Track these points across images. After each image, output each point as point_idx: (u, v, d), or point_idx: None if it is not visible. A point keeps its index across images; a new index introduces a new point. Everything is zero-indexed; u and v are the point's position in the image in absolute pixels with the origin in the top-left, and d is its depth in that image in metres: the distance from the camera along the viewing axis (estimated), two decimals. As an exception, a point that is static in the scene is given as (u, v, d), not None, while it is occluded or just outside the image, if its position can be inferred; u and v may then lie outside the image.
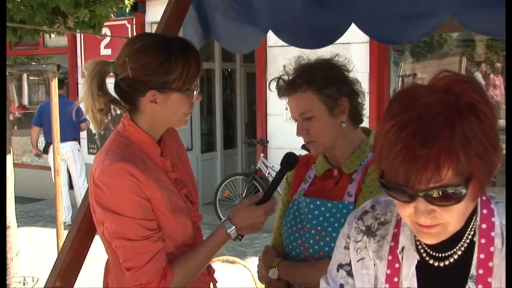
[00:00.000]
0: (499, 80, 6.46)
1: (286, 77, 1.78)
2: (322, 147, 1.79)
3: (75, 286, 1.94)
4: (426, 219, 1.01)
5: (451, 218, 1.02)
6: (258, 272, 1.92)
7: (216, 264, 1.93)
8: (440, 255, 1.12)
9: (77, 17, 4.70)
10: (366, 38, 2.59)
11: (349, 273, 1.26)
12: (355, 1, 2.05)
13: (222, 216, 7.36)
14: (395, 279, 1.16)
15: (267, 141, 7.43)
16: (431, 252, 1.13)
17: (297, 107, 1.77)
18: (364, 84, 1.85)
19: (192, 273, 1.64)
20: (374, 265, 1.19)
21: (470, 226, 1.09)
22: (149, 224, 1.56)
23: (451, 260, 1.10)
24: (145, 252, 1.54)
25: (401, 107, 1.01)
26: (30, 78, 10.28)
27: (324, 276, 1.34)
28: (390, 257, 1.18)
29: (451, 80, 1.03)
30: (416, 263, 1.13)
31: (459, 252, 1.10)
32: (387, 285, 1.16)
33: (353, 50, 6.07)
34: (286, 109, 7.11)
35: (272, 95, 7.64)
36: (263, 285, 1.98)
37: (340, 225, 1.71)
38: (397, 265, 1.16)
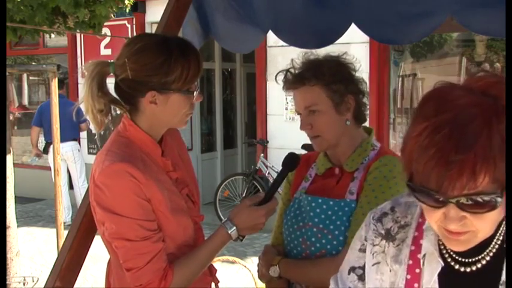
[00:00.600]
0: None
1: (293, 71, 1.78)
2: (326, 143, 1.79)
3: (75, 286, 1.93)
4: (456, 226, 0.96)
5: (483, 226, 0.96)
6: (258, 270, 1.92)
7: (216, 264, 1.93)
8: (467, 260, 1.06)
9: (77, 17, 4.70)
10: (366, 38, 2.59)
11: (361, 278, 1.22)
12: (355, 1, 2.05)
13: (222, 216, 7.36)
14: (416, 285, 1.10)
15: (267, 141, 7.43)
16: (457, 257, 1.07)
17: (303, 100, 1.77)
18: (367, 86, 1.86)
19: (193, 273, 1.64)
20: (390, 271, 1.14)
21: (500, 231, 1.04)
22: (149, 225, 1.56)
23: (479, 265, 1.05)
24: (146, 252, 1.54)
25: (435, 108, 0.95)
26: (30, 78, 10.28)
27: (334, 276, 1.31)
28: (411, 262, 1.12)
29: (488, 82, 0.97)
30: (440, 269, 1.07)
31: (487, 258, 1.04)
32: None
33: (353, 50, 6.05)
34: (286, 109, 7.16)
35: (272, 95, 7.65)
36: (263, 285, 1.98)
37: (342, 223, 1.72)
38: (417, 270, 1.11)
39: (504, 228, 1.02)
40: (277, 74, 1.84)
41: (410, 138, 0.97)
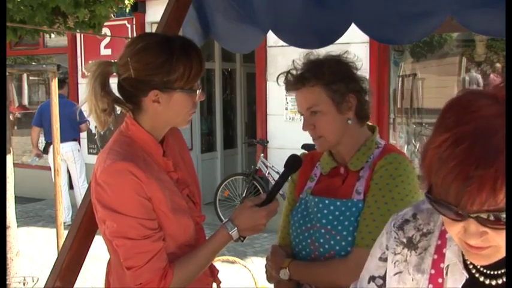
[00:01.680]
0: (499, 80, 6.45)
1: (294, 72, 1.78)
2: (328, 144, 1.79)
3: (75, 286, 1.94)
4: (477, 241, 0.91)
5: (503, 241, 0.91)
6: (266, 272, 1.90)
7: (216, 264, 1.93)
8: (493, 272, 1.01)
9: (77, 17, 4.70)
10: (366, 38, 2.59)
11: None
12: (355, 1, 2.05)
13: (222, 216, 7.36)
14: None
15: (267, 141, 7.43)
16: (482, 269, 1.02)
17: (304, 101, 1.77)
18: (369, 84, 1.86)
19: (193, 273, 1.64)
20: (412, 280, 1.10)
21: None
22: (150, 224, 1.56)
23: (505, 278, 0.99)
24: (146, 251, 1.54)
25: (456, 118, 0.90)
26: (30, 78, 10.28)
27: (354, 283, 1.28)
28: (433, 271, 1.09)
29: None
30: (464, 281, 1.03)
31: None
32: None
33: (353, 50, 6.05)
34: (286, 109, 7.16)
35: (272, 95, 7.66)
36: (263, 285, 1.98)
37: (350, 223, 1.71)
38: (440, 280, 1.07)
39: None
40: (279, 75, 1.84)
41: (430, 150, 0.92)
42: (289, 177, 1.90)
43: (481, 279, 1.02)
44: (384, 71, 6.69)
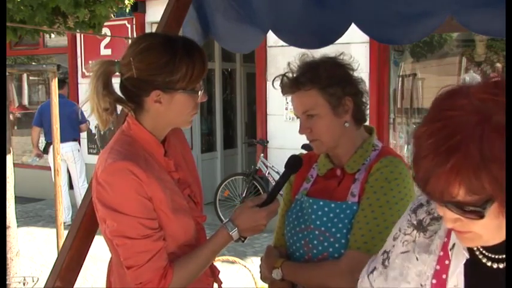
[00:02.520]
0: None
1: (290, 75, 1.77)
2: (325, 146, 1.78)
3: (75, 286, 1.94)
4: (452, 226, 1.00)
5: (480, 230, 0.98)
6: (260, 272, 1.91)
7: (216, 264, 1.93)
8: (496, 256, 1.06)
9: (77, 17, 4.70)
10: (366, 38, 2.59)
11: (383, 262, 1.27)
12: (355, 1, 2.05)
13: (222, 216, 7.36)
14: (444, 276, 1.12)
15: (267, 141, 7.43)
16: (486, 252, 1.07)
17: (300, 104, 1.76)
18: (366, 85, 1.85)
19: (193, 273, 1.64)
20: (417, 259, 1.17)
21: None
22: (150, 223, 1.56)
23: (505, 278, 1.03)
24: (146, 251, 1.55)
25: (432, 114, 0.99)
26: (30, 78, 10.28)
27: (373, 257, 1.36)
28: (442, 253, 1.14)
29: (486, 95, 0.96)
30: (464, 261, 1.09)
31: None
32: (434, 281, 1.13)
33: (353, 50, 6.05)
34: (286, 109, 7.16)
35: (272, 95, 7.65)
36: (263, 285, 1.98)
37: (344, 225, 1.71)
38: (447, 262, 1.13)
39: None
40: (274, 79, 1.83)
41: (414, 138, 1.00)
42: None
43: (484, 260, 1.07)
44: (384, 71, 6.69)
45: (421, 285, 1.14)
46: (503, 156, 0.90)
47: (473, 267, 1.08)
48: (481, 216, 0.95)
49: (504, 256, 1.04)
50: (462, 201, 0.94)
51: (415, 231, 1.20)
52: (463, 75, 6.69)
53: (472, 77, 6.64)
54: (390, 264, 1.23)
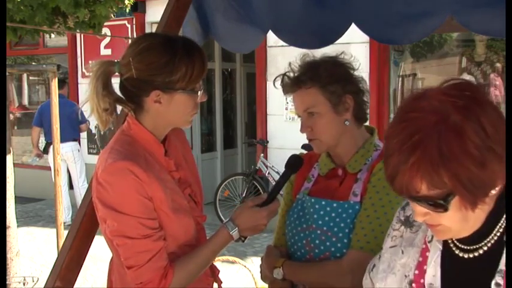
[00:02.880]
0: (499, 80, 6.46)
1: (291, 74, 1.78)
2: (325, 145, 1.78)
3: (75, 286, 1.93)
4: (421, 220, 1.08)
5: (449, 223, 1.06)
6: (261, 272, 1.91)
7: (216, 264, 1.93)
8: (467, 247, 1.14)
9: (77, 17, 4.70)
10: (366, 38, 2.59)
11: (379, 257, 1.35)
12: (355, 1, 2.05)
13: (222, 216, 7.35)
14: (425, 267, 1.19)
15: (267, 141, 7.43)
16: (458, 244, 1.15)
17: (301, 103, 1.77)
18: (367, 84, 1.86)
19: (193, 273, 1.64)
20: (402, 252, 1.24)
21: (500, 224, 1.10)
22: (151, 223, 1.56)
23: (478, 253, 1.12)
24: (146, 250, 1.55)
25: (399, 116, 1.07)
26: (30, 78, 10.28)
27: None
28: (424, 246, 1.22)
29: (444, 97, 1.04)
30: (438, 252, 1.18)
31: (485, 248, 1.11)
32: (417, 272, 1.20)
33: (353, 50, 6.05)
34: (286, 109, 7.16)
35: (272, 95, 7.63)
36: (263, 285, 1.98)
37: (346, 225, 1.71)
38: (427, 253, 1.20)
39: (504, 222, 1.10)
40: (275, 78, 1.84)
41: (384, 138, 1.09)
42: None
43: (457, 252, 1.15)
44: (384, 71, 6.69)
45: (405, 276, 1.22)
46: (461, 154, 0.98)
47: (448, 258, 1.17)
48: (445, 209, 1.03)
49: (474, 246, 1.12)
50: (426, 196, 1.02)
51: (402, 227, 1.29)
52: (463, 75, 6.69)
53: (466, 79, 6.65)
54: (381, 258, 1.32)
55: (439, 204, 1.03)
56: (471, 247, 1.13)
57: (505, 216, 1.09)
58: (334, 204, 1.74)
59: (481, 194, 1.03)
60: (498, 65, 6.44)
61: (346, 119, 1.76)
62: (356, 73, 1.80)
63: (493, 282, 1.07)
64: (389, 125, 1.09)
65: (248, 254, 6.13)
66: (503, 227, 1.10)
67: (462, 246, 1.14)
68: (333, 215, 1.73)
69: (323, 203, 1.76)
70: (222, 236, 1.66)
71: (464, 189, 1.00)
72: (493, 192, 1.05)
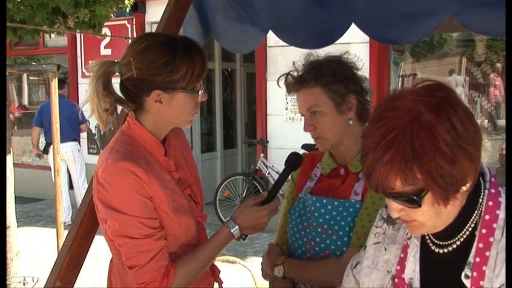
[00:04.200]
0: (499, 80, 6.46)
1: (294, 73, 1.79)
2: (329, 143, 1.79)
3: (75, 286, 1.94)
4: (397, 215, 1.13)
5: (423, 218, 1.11)
6: (262, 269, 1.91)
7: (216, 264, 1.93)
8: (442, 243, 1.19)
9: (77, 17, 4.69)
10: (366, 38, 2.59)
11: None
12: (355, 1, 2.05)
13: (222, 216, 7.35)
14: (406, 263, 1.25)
15: (267, 141, 7.43)
16: (434, 240, 1.21)
17: (304, 102, 1.78)
18: (370, 84, 1.86)
19: (195, 272, 1.64)
20: (385, 249, 1.29)
21: (472, 219, 1.16)
22: (151, 223, 1.56)
23: (451, 248, 1.18)
24: (148, 250, 1.55)
25: (375, 115, 1.12)
26: (30, 78, 10.29)
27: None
28: (405, 242, 1.27)
29: (417, 97, 1.09)
30: (416, 248, 1.23)
31: (458, 243, 1.17)
32: (398, 267, 1.26)
33: (353, 50, 6.05)
34: (286, 109, 7.16)
35: (272, 95, 7.64)
36: (263, 285, 1.98)
37: (346, 223, 1.71)
38: (408, 250, 1.25)
39: (476, 216, 1.15)
40: (279, 77, 1.85)
41: (361, 137, 1.13)
42: (290, 177, 1.90)
43: (433, 248, 1.21)
44: (384, 71, 6.69)
45: (388, 271, 1.27)
46: (433, 151, 1.03)
47: (425, 254, 1.23)
48: (418, 204, 1.07)
49: (447, 242, 1.18)
50: (400, 192, 1.07)
51: (385, 225, 1.34)
52: (463, 75, 6.69)
53: (458, 79, 6.66)
54: (365, 254, 1.36)
55: (413, 200, 1.07)
56: (445, 242, 1.19)
57: (476, 212, 1.15)
58: (335, 203, 1.75)
59: (453, 190, 1.07)
60: (498, 65, 6.44)
61: (350, 118, 1.77)
62: (360, 73, 1.81)
63: (462, 274, 1.13)
64: (369, 122, 1.14)
65: (248, 254, 6.13)
66: (475, 221, 1.16)
67: (437, 242, 1.20)
68: (334, 213, 1.74)
69: (324, 201, 1.77)
70: (223, 234, 1.67)
71: (436, 185, 1.04)
72: (464, 188, 1.09)
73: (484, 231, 1.13)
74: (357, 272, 1.40)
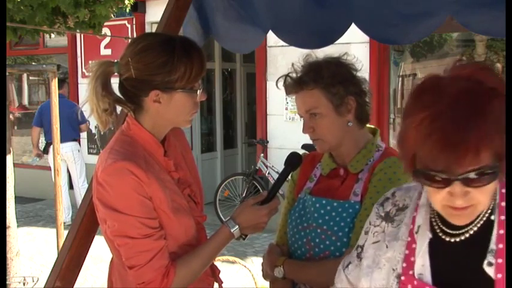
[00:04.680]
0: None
1: (293, 75, 1.79)
2: (328, 145, 1.79)
3: (75, 286, 1.93)
4: (462, 202, 1.07)
5: (484, 198, 1.08)
6: (262, 270, 1.91)
7: (216, 264, 1.93)
8: (455, 232, 1.17)
9: (77, 17, 4.69)
10: (366, 38, 2.59)
11: (359, 255, 1.36)
12: (355, 1, 2.05)
13: (222, 216, 7.35)
14: (412, 259, 1.21)
15: (267, 141, 7.43)
16: (445, 229, 1.18)
17: (303, 104, 1.78)
18: (369, 85, 1.86)
19: (195, 272, 1.64)
20: (387, 247, 1.26)
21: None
22: (151, 223, 1.56)
23: (467, 235, 1.15)
24: (147, 250, 1.55)
25: (431, 98, 1.07)
26: (30, 78, 10.29)
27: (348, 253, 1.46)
28: (409, 239, 1.23)
29: (472, 70, 1.10)
30: (428, 240, 1.19)
31: (475, 228, 1.14)
32: (404, 265, 1.22)
33: (353, 50, 6.05)
34: (286, 109, 7.16)
35: (272, 95, 7.64)
36: (263, 285, 1.98)
37: (346, 224, 1.71)
38: (414, 245, 1.22)
39: (492, 202, 1.14)
40: (278, 79, 1.85)
41: (411, 129, 1.07)
42: (290, 177, 1.90)
43: (444, 237, 1.18)
44: (384, 71, 6.69)
45: (393, 269, 1.23)
46: (502, 113, 1.03)
47: (436, 245, 1.19)
48: (494, 178, 1.05)
49: (460, 231, 1.16)
50: (486, 165, 1.03)
51: (383, 223, 1.31)
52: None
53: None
54: (364, 254, 1.33)
55: (492, 173, 1.05)
56: (458, 231, 1.16)
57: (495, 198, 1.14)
58: (335, 204, 1.75)
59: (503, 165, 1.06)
60: (498, 65, 6.44)
61: (349, 120, 1.76)
62: (359, 74, 1.81)
63: (485, 263, 1.11)
64: (415, 111, 1.08)
65: (248, 254, 6.13)
66: (491, 207, 1.14)
67: (449, 231, 1.18)
68: (333, 214, 1.74)
69: (323, 202, 1.77)
70: (223, 234, 1.67)
71: (502, 160, 1.04)
72: None
73: (502, 217, 1.12)
74: (349, 273, 1.39)
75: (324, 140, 1.78)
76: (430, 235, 1.20)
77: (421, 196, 1.27)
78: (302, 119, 1.81)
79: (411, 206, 1.28)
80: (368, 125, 1.87)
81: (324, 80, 1.73)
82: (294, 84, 1.78)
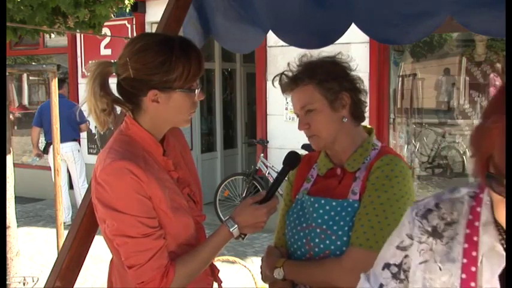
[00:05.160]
0: (499, 80, 6.46)
1: (289, 73, 1.81)
2: (323, 141, 1.80)
3: (75, 286, 1.94)
4: None
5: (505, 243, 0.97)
6: (261, 272, 1.91)
7: (216, 264, 1.93)
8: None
9: (77, 17, 4.69)
10: (366, 38, 2.59)
11: (395, 276, 1.20)
12: (355, 1, 2.05)
13: (222, 216, 7.36)
14: (473, 284, 1.07)
15: (267, 141, 7.43)
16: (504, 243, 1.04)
17: (298, 100, 1.79)
18: (364, 84, 1.87)
19: (194, 271, 1.64)
20: (440, 269, 1.11)
21: None
22: (150, 222, 1.56)
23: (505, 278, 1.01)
24: (147, 249, 1.55)
25: None
26: (30, 78, 10.29)
27: (367, 273, 1.27)
28: (465, 260, 1.09)
29: None
30: (502, 261, 1.03)
31: None
32: None
33: (353, 50, 6.08)
34: (286, 109, 7.16)
35: (272, 95, 7.65)
36: (263, 285, 1.98)
37: (345, 223, 1.71)
38: (473, 269, 1.07)
39: None
40: (274, 78, 1.86)
41: (494, 128, 0.95)
42: (286, 178, 1.90)
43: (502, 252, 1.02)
44: (384, 71, 6.69)
45: None
46: None
47: (498, 261, 1.04)
48: None
49: None
50: None
51: (430, 239, 1.15)
52: (463, 75, 6.70)
53: (449, 78, 6.67)
54: (410, 277, 1.16)
55: None
56: None
57: None
58: (333, 203, 1.75)
59: None
60: (498, 65, 6.45)
61: (343, 116, 1.77)
62: (354, 73, 1.82)
63: None
64: (498, 112, 0.96)
65: (248, 254, 6.13)
66: None
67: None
68: (332, 213, 1.74)
69: (322, 201, 1.77)
70: (222, 233, 1.67)
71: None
72: None
73: None
74: None
75: (319, 136, 1.78)
76: (503, 253, 1.03)
77: (473, 211, 1.11)
78: (298, 117, 1.82)
79: (461, 222, 1.12)
80: (363, 125, 1.87)
81: (319, 76, 1.74)
82: (289, 82, 1.80)
